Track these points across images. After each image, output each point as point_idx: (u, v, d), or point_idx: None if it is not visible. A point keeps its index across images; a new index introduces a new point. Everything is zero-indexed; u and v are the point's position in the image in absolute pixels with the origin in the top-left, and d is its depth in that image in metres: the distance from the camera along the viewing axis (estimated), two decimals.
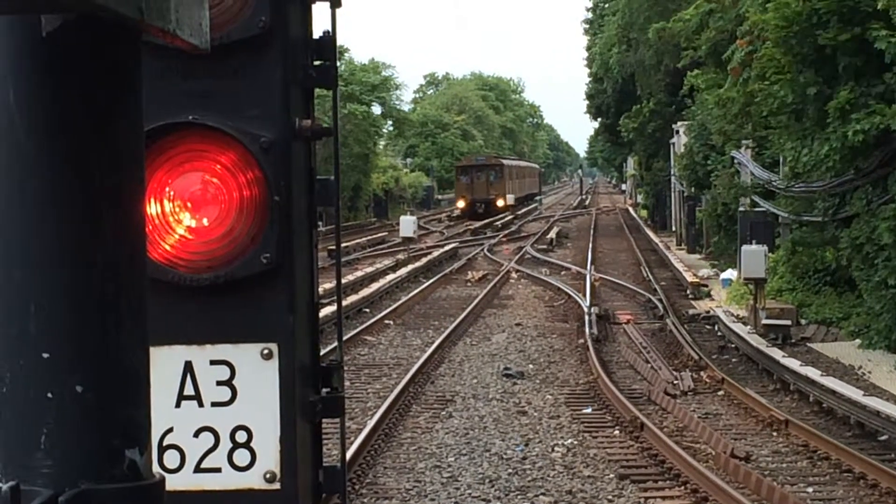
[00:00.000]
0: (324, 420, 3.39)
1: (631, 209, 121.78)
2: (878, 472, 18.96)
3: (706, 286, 46.50)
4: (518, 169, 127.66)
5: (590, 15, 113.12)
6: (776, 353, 29.60)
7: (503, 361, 30.96)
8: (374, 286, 47.06)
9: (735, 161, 44.81)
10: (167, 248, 3.10)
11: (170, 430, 3.15)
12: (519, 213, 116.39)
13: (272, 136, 3.10)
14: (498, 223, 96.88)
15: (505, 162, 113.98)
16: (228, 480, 3.16)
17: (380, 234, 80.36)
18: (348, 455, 18.10)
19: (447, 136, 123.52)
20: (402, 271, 53.69)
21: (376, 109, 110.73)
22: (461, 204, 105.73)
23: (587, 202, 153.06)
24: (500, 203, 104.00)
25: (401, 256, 62.16)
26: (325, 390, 3.36)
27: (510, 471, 19.93)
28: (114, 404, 1.85)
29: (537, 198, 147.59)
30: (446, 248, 67.97)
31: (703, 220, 58.16)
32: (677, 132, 67.17)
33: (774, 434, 22.40)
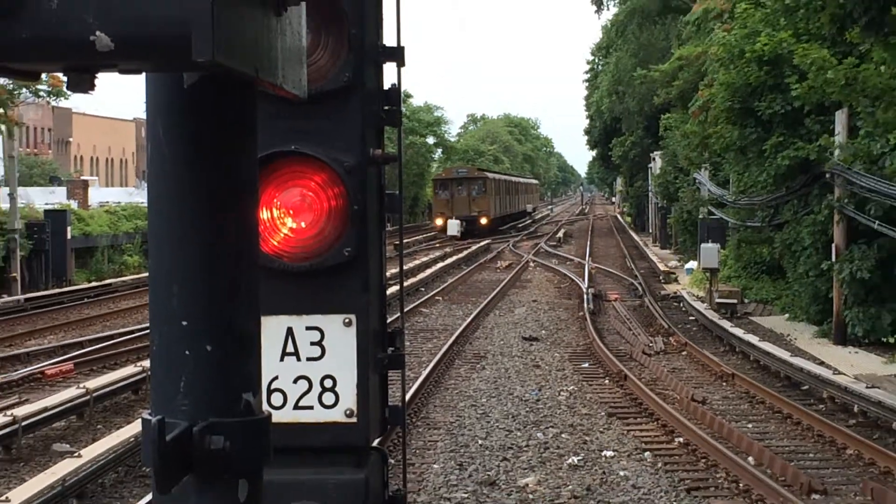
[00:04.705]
0: (389, 371, 3.40)
1: (619, 216, 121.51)
2: (801, 413, 18.91)
3: (674, 274, 46.45)
4: (509, 184, 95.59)
5: (588, 75, 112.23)
6: (726, 324, 29.61)
7: (523, 328, 30.97)
8: (428, 271, 47.02)
9: (696, 180, 44.76)
10: (275, 243, 3.11)
11: (275, 378, 3.16)
12: (521, 225, 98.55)
13: (353, 161, 3.10)
14: (520, 225, 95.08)
15: (490, 175, 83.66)
16: (318, 415, 3.17)
17: (432, 233, 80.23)
18: (407, 397, 18.13)
19: (482, 161, 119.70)
20: (449, 261, 53.65)
21: (430, 140, 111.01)
22: (438, 222, 77.54)
23: (587, 210, 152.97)
24: (483, 220, 76.54)
25: (448, 249, 62.11)
26: (390, 349, 3.36)
27: (527, 409, 19.93)
28: (234, 359, 1.86)
29: (529, 209, 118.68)
30: (481, 244, 67.77)
31: (672, 224, 57.91)
32: (654, 158, 67.13)
33: (724, 384, 22.35)
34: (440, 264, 51.31)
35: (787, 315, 31.98)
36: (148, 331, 1.91)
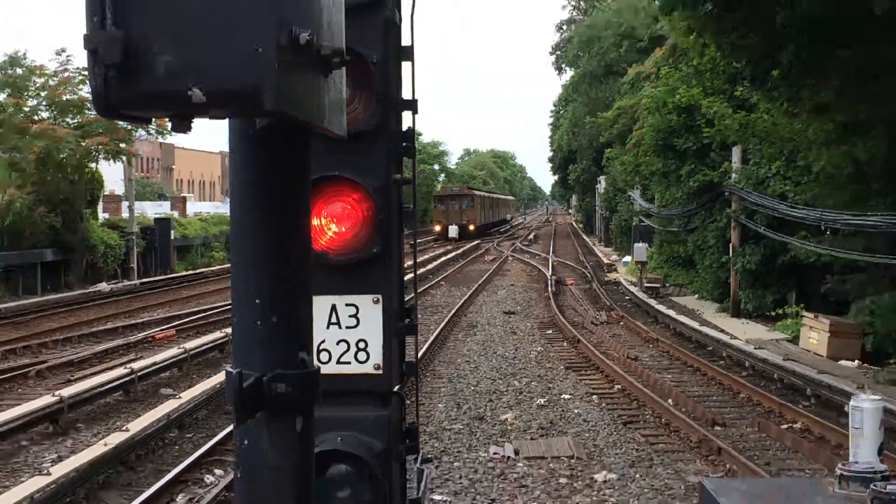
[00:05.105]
0: (405, 336, 3.40)
1: (574, 223, 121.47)
2: (706, 367, 18.94)
3: (614, 265, 46.46)
4: (491, 200, 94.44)
5: (552, 119, 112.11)
6: (652, 302, 29.66)
7: (504, 305, 31.00)
8: (434, 263, 47.02)
9: (630, 197, 44.77)
10: (323, 243, 3.11)
11: (323, 341, 3.16)
12: (503, 230, 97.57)
13: (379, 183, 3.10)
14: (501, 230, 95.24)
15: (476, 192, 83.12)
16: (354, 369, 3.17)
17: (435, 236, 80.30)
18: (419, 355, 18.14)
19: (474, 182, 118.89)
20: (449, 255, 53.63)
21: (436, 167, 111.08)
22: (437, 228, 76.67)
23: (551, 219, 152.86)
24: (471, 227, 75.25)
25: (448, 248, 62.09)
26: (406, 320, 3.36)
27: (507, 364, 19.95)
28: (293, 327, 1.86)
29: (510, 217, 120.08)
30: (472, 244, 67.73)
31: (613, 229, 57.93)
32: (599, 181, 67.18)
33: (650, 346, 22.38)
34: (443, 258, 51.30)
35: (696, 296, 32.08)
36: (230, 306, 1.91)
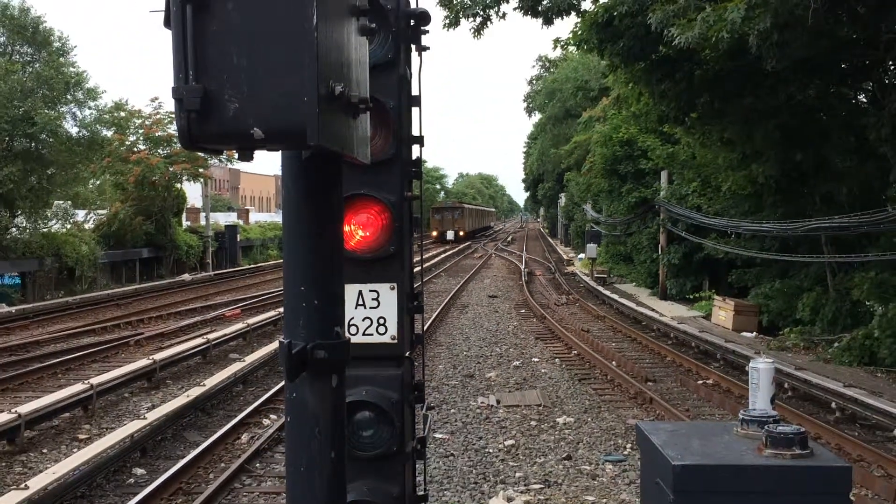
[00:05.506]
0: (414, 314, 3.39)
1: (541, 229, 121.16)
2: (641, 337, 18.92)
3: (571, 261, 46.40)
4: (476, 211, 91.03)
5: (525, 149, 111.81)
6: (600, 288, 29.61)
7: (489, 290, 30.92)
8: (436, 259, 46.97)
9: (584, 209, 44.74)
10: (352, 244, 3.09)
11: (352, 318, 3.15)
12: (487, 234, 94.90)
13: (395, 199, 3.09)
14: (487, 235, 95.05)
15: (465, 206, 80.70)
16: (376, 339, 3.16)
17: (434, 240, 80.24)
18: (425, 328, 18.12)
19: (466, 197, 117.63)
20: (448, 253, 53.53)
21: (437, 186, 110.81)
22: (434, 233, 73.33)
23: (524, 226, 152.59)
24: (461, 233, 73.15)
25: (446, 247, 61.96)
26: (415, 302, 3.35)
27: (491, 335, 19.91)
28: (329, 308, 1.86)
29: (491, 224, 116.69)
30: (466, 244, 67.66)
31: (571, 233, 57.82)
32: (561, 197, 67.10)
33: (599, 321, 22.35)
34: (443, 255, 51.19)
35: (634, 283, 32.00)
36: (282, 292, 1.91)
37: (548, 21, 16.52)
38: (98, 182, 38.32)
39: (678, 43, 12.19)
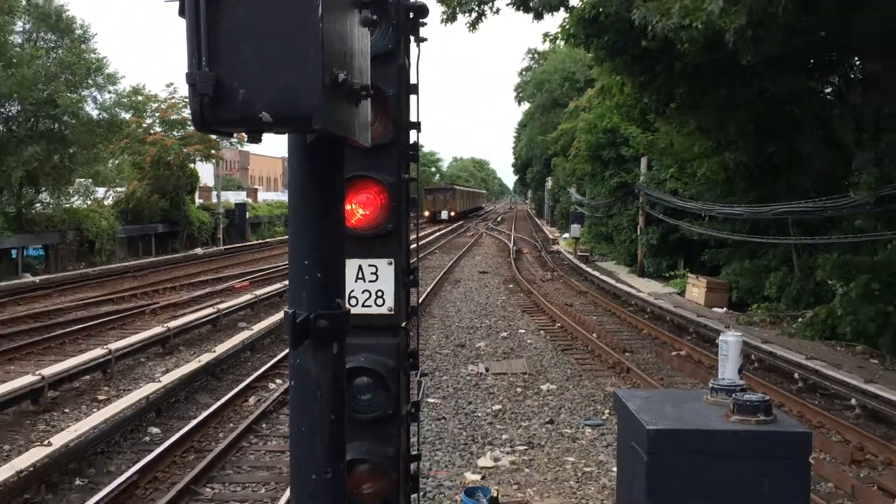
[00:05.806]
0: (410, 288, 3.39)
1: (529, 210, 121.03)
2: (620, 311, 18.99)
3: (556, 240, 46.44)
4: (467, 192, 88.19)
5: (515, 136, 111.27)
6: (584, 266, 29.65)
7: (479, 266, 30.95)
8: (431, 237, 46.94)
9: (569, 192, 44.71)
10: (353, 222, 3.08)
11: (352, 290, 3.15)
12: (479, 215, 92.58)
13: (393, 180, 3.08)
14: (478, 215, 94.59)
15: (457, 187, 78.15)
16: (374, 310, 3.16)
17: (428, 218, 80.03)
18: (419, 301, 18.16)
19: (459, 180, 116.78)
20: (442, 231, 53.50)
21: (433, 169, 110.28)
22: (427, 213, 70.02)
23: (513, 207, 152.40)
24: (452, 213, 70.64)
25: (440, 226, 61.86)
26: (411, 277, 3.35)
27: (482, 308, 19.97)
28: (331, 281, 1.86)
29: (482, 205, 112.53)
30: (459, 223, 67.56)
31: (557, 214, 57.84)
32: (548, 181, 66.96)
33: (582, 297, 22.42)
34: (438, 234, 51.16)
35: (614, 262, 32.08)
36: (288, 265, 1.90)
37: (538, 16, 16.42)
38: (117, 161, 38.09)
39: (658, 28, 12.08)
